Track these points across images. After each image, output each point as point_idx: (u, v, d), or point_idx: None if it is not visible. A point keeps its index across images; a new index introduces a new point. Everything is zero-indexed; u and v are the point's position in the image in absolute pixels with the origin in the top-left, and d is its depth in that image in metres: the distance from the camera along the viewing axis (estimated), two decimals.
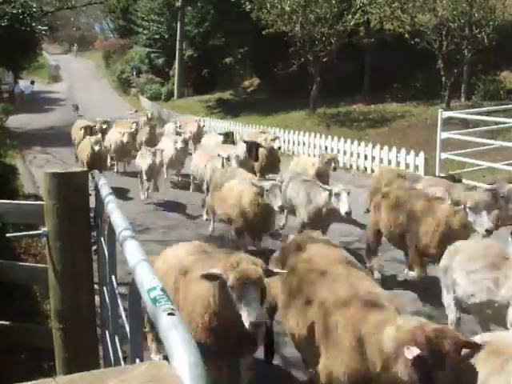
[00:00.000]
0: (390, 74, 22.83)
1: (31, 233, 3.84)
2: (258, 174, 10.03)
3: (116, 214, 2.52)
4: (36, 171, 14.13)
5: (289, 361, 5.20)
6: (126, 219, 2.38)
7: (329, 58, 22.13)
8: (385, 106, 21.62)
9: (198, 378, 1.06)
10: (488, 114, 13.29)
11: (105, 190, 3.12)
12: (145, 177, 10.95)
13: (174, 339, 1.16)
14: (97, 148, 11.25)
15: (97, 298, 3.78)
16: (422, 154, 11.62)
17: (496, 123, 12.49)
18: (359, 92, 24.04)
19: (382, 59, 23.11)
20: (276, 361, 5.25)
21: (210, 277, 3.75)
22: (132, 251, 1.86)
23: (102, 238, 3.37)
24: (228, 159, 9.29)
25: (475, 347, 3.17)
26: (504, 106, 14.76)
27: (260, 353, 4.91)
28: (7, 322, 4.15)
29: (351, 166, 13.74)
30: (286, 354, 5.28)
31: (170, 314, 1.27)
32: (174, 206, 11.05)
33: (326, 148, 15.05)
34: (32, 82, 42.94)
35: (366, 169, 13.32)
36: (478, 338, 3.35)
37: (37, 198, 8.70)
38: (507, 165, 11.17)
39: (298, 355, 4.55)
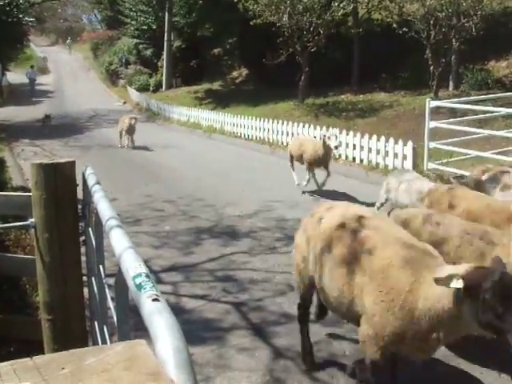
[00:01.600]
0: (379, 63, 22.81)
1: (18, 224, 3.84)
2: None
3: (102, 203, 2.52)
4: (24, 164, 14.08)
5: None
6: (112, 209, 2.38)
7: (317, 48, 22.11)
8: (373, 96, 21.62)
9: (182, 362, 1.06)
10: (476, 103, 13.32)
11: (91, 180, 3.11)
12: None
13: (158, 324, 1.16)
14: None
15: (85, 289, 3.79)
16: (410, 144, 11.65)
17: (484, 112, 12.51)
18: (347, 82, 24.02)
19: (371, 49, 23.07)
20: None
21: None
22: (118, 239, 1.86)
23: (90, 229, 3.37)
24: None
25: None
26: (492, 95, 14.82)
27: None
28: None
29: (340, 156, 13.75)
30: None
31: (154, 299, 1.27)
32: (166, 199, 11.04)
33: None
34: (32, 67, 42.76)
35: (354, 159, 13.34)
36: None
37: (25, 190, 8.65)
38: (495, 154, 11.21)
39: None
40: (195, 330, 5.32)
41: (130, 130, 18.25)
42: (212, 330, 5.50)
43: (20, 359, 1.06)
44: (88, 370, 1.01)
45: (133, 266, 1.50)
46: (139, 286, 1.36)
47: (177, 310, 5.56)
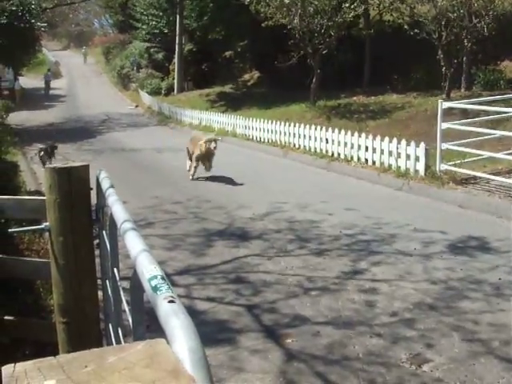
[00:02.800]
0: (390, 65, 22.80)
1: (33, 228, 3.86)
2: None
3: (117, 206, 2.53)
4: (37, 168, 14.16)
5: None
6: (126, 211, 2.40)
7: (328, 50, 22.11)
8: (385, 98, 21.60)
9: (198, 362, 1.08)
10: (488, 103, 13.27)
11: (105, 184, 3.13)
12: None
13: (174, 325, 1.17)
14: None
15: (100, 292, 3.81)
16: (422, 145, 11.60)
17: (496, 113, 12.45)
18: (359, 84, 24.02)
19: (382, 51, 23.08)
20: None
21: None
22: (133, 242, 1.87)
23: (104, 232, 3.39)
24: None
25: None
26: (504, 96, 14.73)
27: None
28: (11, 317, 4.18)
29: (352, 158, 13.74)
30: None
31: (170, 301, 1.29)
32: (178, 201, 11.07)
33: (327, 140, 15.04)
34: (48, 70, 43.13)
35: (366, 160, 13.31)
36: None
37: (39, 194, 8.71)
38: (508, 154, 11.16)
39: None
40: (208, 332, 5.33)
41: (209, 157, 13.43)
42: (225, 331, 5.51)
43: (43, 358, 1.08)
44: (110, 368, 1.04)
45: (148, 269, 1.52)
46: (155, 288, 1.38)
47: (190, 312, 5.56)
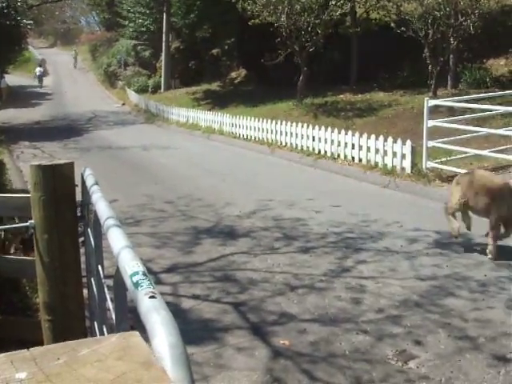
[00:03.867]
0: (377, 63, 22.84)
1: (17, 225, 3.85)
2: None
3: (101, 203, 2.53)
4: (24, 166, 14.09)
5: None
6: (111, 209, 2.39)
7: (315, 48, 22.13)
8: (372, 95, 21.64)
9: (178, 357, 1.08)
10: (475, 101, 13.35)
11: (90, 181, 3.13)
12: None
13: (155, 321, 1.17)
14: None
15: (85, 290, 3.80)
16: (408, 143, 11.65)
17: (482, 111, 12.54)
18: (346, 82, 24.05)
19: (369, 49, 23.10)
20: None
21: None
22: (116, 239, 1.87)
23: (89, 229, 3.38)
24: None
25: None
26: (490, 94, 14.83)
27: None
28: None
29: (338, 155, 13.77)
30: None
31: (151, 297, 1.29)
32: (166, 199, 11.03)
33: (314, 138, 15.07)
34: (40, 65, 42.95)
35: (353, 158, 13.35)
36: None
37: (25, 192, 8.66)
38: (494, 152, 11.24)
39: None
40: (195, 330, 5.33)
41: None
42: (211, 329, 5.50)
43: (17, 351, 1.09)
44: (82, 360, 1.05)
45: (130, 265, 1.52)
46: (136, 284, 1.38)
47: (176, 310, 5.58)
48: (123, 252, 1.67)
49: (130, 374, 1.02)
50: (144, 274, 1.43)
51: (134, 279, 1.41)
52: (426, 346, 5.06)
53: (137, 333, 1.16)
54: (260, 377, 4.65)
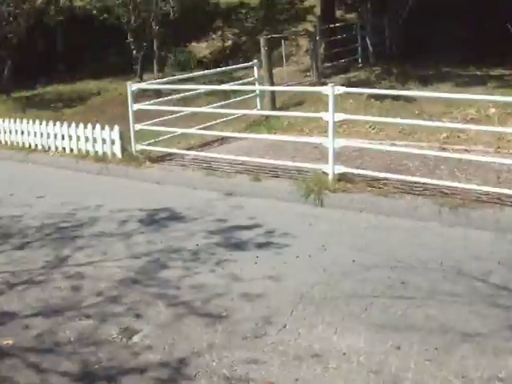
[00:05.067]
0: (84, 51, 22.60)
1: None
2: None
3: None
4: None
5: None
6: None
7: (19, 38, 21.08)
8: (82, 85, 21.31)
9: None
10: (181, 83, 13.80)
11: None
12: None
13: None
14: None
15: None
16: (116, 128, 11.63)
17: (187, 91, 12.98)
18: (54, 72, 23.38)
19: (75, 37, 22.75)
20: None
21: None
22: None
23: None
24: None
25: None
26: (193, 74, 15.44)
27: None
28: None
29: (49, 148, 13.33)
30: None
31: None
32: None
33: (23, 132, 14.40)
34: None
35: (64, 149, 13.00)
36: None
37: None
38: (199, 129, 11.73)
39: None
40: None
41: None
42: None
43: None
44: None
45: None
46: None
47: None
48: None
49: None
50: None
51: None
52: (148, 318, 5.26)
53: None
54: None
